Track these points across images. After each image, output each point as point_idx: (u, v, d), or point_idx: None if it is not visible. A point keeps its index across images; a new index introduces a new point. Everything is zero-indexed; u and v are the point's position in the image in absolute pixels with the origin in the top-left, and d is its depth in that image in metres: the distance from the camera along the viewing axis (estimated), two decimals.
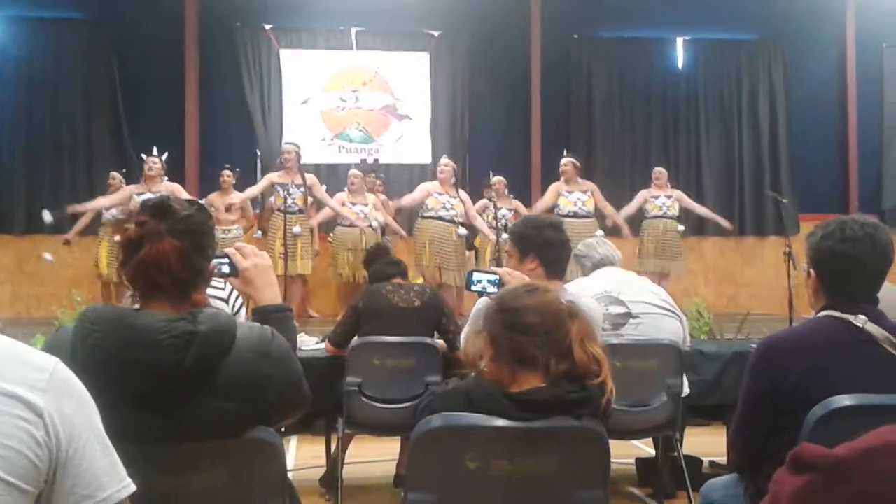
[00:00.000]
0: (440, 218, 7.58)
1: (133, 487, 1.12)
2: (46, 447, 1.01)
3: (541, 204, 8.21)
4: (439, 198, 7.61)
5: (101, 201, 7.84)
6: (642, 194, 8.73)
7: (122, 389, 1.58)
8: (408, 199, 7.91)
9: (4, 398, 1.00)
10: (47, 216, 8.07)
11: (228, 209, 7.91)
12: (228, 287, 3.48)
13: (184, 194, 7.49)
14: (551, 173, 8.64)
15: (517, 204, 8.64)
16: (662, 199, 8.68)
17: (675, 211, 8.70)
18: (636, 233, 8.73)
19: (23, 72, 9.68)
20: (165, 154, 7.68)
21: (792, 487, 0.94)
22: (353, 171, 8.17)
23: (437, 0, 9.81)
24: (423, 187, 7.85)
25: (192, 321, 1.64)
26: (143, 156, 7.71)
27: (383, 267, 4.40)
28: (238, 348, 1.69)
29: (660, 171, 8.86)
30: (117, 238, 1.77)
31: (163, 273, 1.68)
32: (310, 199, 7.86)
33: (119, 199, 7.71)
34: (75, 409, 1.06)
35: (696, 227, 10.26)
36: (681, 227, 8.74)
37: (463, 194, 7.82)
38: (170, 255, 1.67)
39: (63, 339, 1.65)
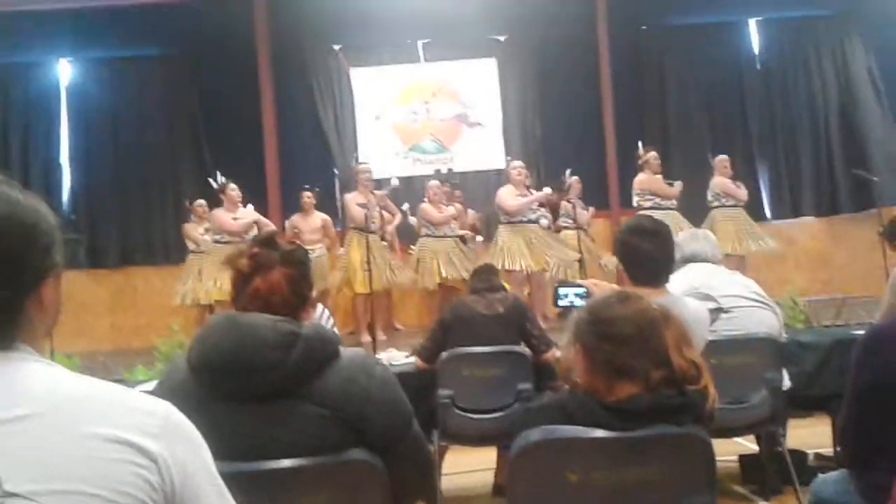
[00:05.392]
0: (529, 221, 7.56)
1: None
2: (162, 491, 1.04)
3: (668, 193, 7.93)
4: (521, 199, 7.57)
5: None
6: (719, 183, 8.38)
7: (229, 388, 1.67)
8: (514, 207, 7.63)
9: (119, 445, 1.03)
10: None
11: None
12: (319, 307, 3.55)
13: (269, 222, 7.66)
14: (628, 169, 8.52)
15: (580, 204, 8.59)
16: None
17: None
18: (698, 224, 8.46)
19: (107, 111, 10.08)
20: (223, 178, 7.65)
21: None
22: (433, 182, 8.23)
23: (501, 5, 9.78)
24: (512, 192, 7.66)
25: (298, 325, 1.73)
26: (214, 183, 7.60)
27: (476, 283, 4.43)
28: (342, 361, 1.76)
29: (723, 159, 8.56)
30: (227, 272, 1.88)
31: (276, 297, 1.80)
32: (386, 215, 7.94)
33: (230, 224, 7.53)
34: (188, 452, 1.09)
35: (787, 210, 10.01)
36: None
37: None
38: (282, 281, 1.81)
39: (179, 358, 1.79)
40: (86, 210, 9.97)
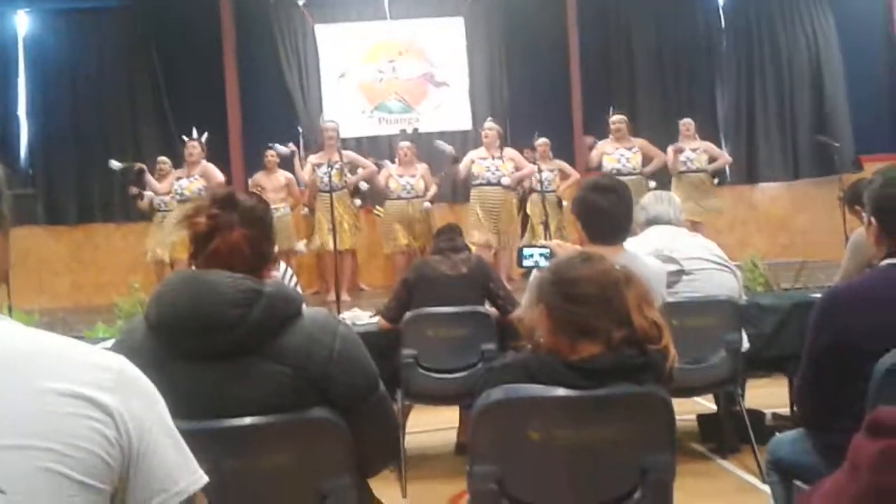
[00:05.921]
0: (488, 183, 7.60)
1: (205, 479, 1.13)
2: (118, 445, 1.03)
3: (590, 160, 8.11)
4: (482, 163, 7.63)
5: (155, 187, 7.96)
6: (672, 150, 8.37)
7: (188, 346, 1.66)
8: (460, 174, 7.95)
9: (74, 400, 1.01)
10: (115, 164, 8.33)
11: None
12: (282, 266, 3.53)
13: (217, 174, 7.58)
14: (594, 131, 8.53)
15: (560, 164, 8.57)
16: (688, 152, 8.34)
17: (700, 164, 8.43)
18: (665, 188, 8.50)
19: (64, 64, 9.81)
20: (206, 134, 7.67)
21: (871, 452, 0.92)
22: (404, 142, 8.22)
23: None
24: (467, 157, 7.88)
25: (260, 283, 1.72)
26: (185, 138, 7.69)
27: (439, 242, 4.43)
28: (304, 320, 1.75)
29: (686, 122, 8.61)
30: (185, 230, 1.84)
31: (236, 259, 1.77)
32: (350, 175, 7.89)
33: (167, 187, 7.82)
34: (144, 406, 1.08)
35: (746, 175, 10.09)
36: (715, 180, 8.55)
37: (510, 151, 7.86)
38: (242, 243, 1.78)
39: (137, 320, 1.79)
40: (44, 165, 9.74)
